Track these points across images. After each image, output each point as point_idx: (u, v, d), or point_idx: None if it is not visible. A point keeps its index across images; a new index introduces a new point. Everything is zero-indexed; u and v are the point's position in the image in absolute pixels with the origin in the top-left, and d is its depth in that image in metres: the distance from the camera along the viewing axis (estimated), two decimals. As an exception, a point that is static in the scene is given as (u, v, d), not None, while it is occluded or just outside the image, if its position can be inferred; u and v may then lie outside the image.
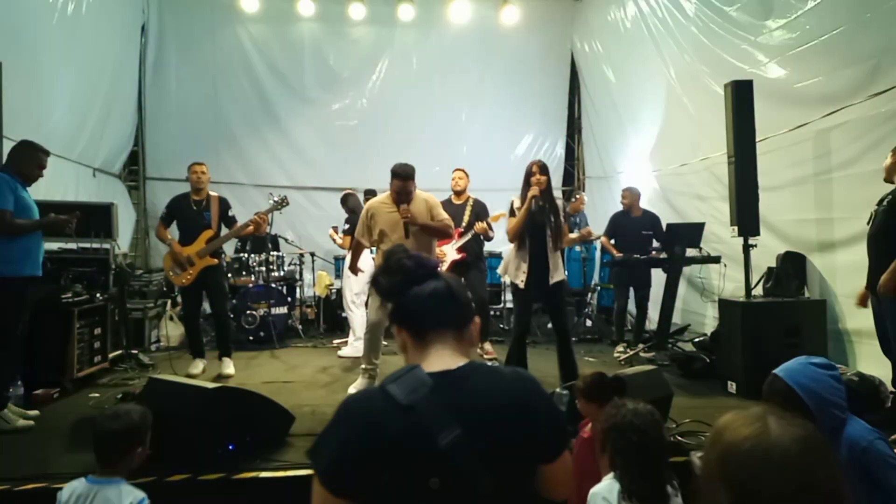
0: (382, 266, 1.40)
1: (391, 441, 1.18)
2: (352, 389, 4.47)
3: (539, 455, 1.30)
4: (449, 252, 5.76)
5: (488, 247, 6.49)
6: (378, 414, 1.22)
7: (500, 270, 4.84)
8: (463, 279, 5.87)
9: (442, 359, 1.31)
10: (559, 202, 4.65)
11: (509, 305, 8.14)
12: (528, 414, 1.25)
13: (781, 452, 0.89)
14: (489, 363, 5.33)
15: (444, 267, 5.68)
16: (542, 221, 4.40)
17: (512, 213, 4.49)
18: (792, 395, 1.96)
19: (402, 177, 4.39)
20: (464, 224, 5.73)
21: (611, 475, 2.08)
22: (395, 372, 1.28)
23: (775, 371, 2.06)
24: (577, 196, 8.32)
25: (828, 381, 1.98)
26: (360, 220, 4.65)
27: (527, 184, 4.42)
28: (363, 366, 4.59)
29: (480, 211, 5.87)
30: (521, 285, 4.43)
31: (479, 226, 5.62)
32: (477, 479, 1.17)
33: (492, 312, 7.86)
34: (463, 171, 6.01)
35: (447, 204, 5.92)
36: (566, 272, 5.10)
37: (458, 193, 5.94)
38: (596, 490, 2.08)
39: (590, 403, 2.61)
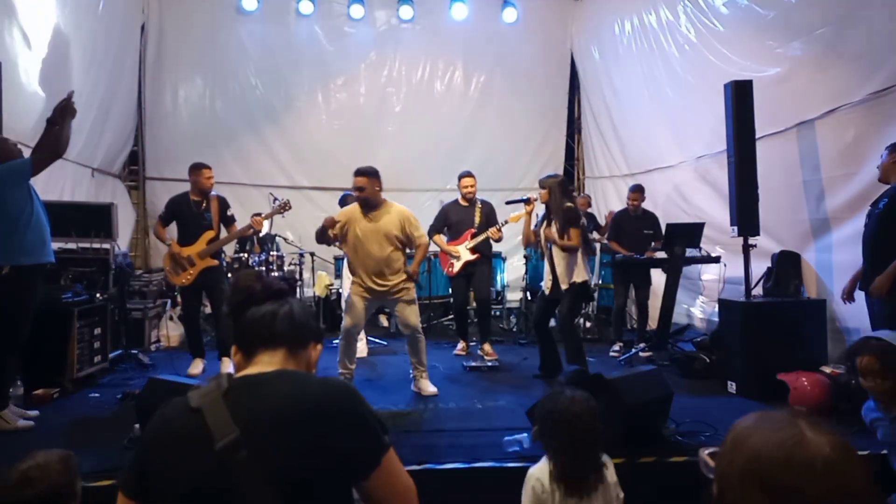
0: (231, 286, 1.44)
1: (175, 442, 1.19)
2: None
3: (338, 466, 1.19)
4: (463, 252, 5.83)
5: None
6: (170, 416, 1.24)
7: None
8: (471, 276, 5.94)
9: (257, 367, 1.31)
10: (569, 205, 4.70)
11: (509, 306, 8.16)
12: (324, 422, 1.18)
13: (824, 459, 0.90)
14: (489, 363, 5.42)
15: (456, 267, 5.82)
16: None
17: None
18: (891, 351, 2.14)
19: (361, 172, 4.33)
20: (476, 224, 5.83)
21: (545, 458, 2.16)
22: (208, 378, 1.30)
23: (876, 335, 2.25)
24: (581, 199, 8.30)
25: None
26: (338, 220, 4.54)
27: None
28: (339, 370, 4.56)
29: (489, 212, 5.93)
30: (546, 291, 4.87)
31: (493, 231, 5.74)
32: (249, 486, 1.11)
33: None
34: (472, 176, 6.00)
35: (456, 206, 5.99)
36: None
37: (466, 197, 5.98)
38: (531, 471, 2.17)
39: None
